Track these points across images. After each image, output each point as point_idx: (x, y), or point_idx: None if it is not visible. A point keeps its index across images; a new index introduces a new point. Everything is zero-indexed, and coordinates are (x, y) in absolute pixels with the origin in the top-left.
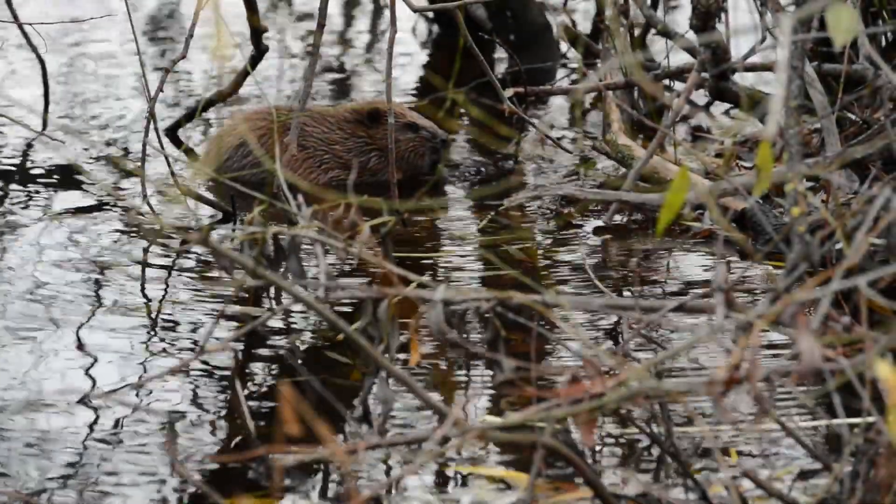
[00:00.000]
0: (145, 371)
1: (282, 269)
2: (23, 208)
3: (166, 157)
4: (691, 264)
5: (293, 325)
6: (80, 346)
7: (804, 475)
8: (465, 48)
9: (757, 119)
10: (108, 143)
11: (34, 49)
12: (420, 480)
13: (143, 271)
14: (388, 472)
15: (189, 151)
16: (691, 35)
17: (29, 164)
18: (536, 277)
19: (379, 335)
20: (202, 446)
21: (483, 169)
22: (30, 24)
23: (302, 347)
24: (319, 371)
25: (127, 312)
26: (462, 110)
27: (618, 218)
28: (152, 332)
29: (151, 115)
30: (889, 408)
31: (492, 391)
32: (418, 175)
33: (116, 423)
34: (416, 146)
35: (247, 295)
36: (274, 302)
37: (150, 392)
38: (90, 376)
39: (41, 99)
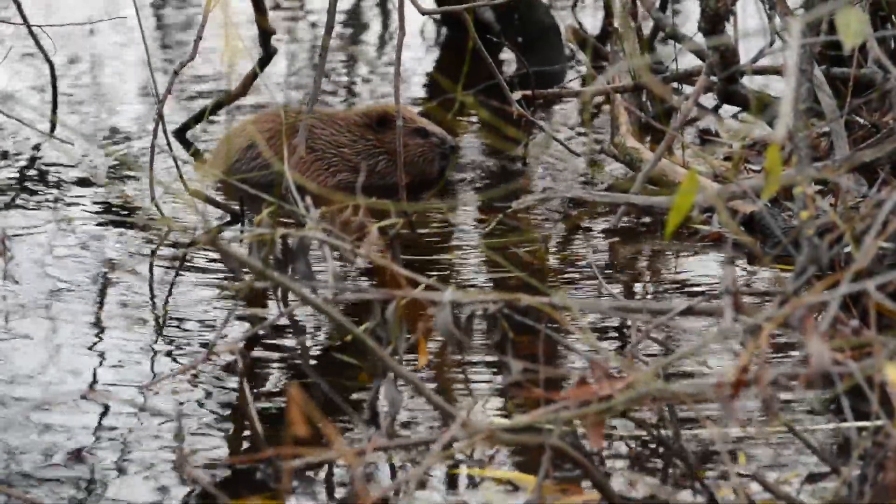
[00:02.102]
0: (153, 372)
1: (290, 271)
2: (31, 210)
3: (174, 159)
4: (699, 267)
5: (302, 327)
6: (89, 347)
7: (812, 478)
8: (474, 50)
9: (765, 122)
10: (116, 144)
11: (43, 51)
12: (428, 482)
13: (152, 272)
14: (395, 474)
15: (197, 153)
16: (700, 38)
17: (37, 167)
18: (544, 280)
19: (387, 337)
20: (210, 448)
21: (488, 170)
22: (38, 26)
23: (310, 349)
24: (327, 373)
25: (135, 314)
26: (471, 112)
27: (626, 220)
28: (160, 334)
29: (160, 117)
30: None
31: (500, 393)
32: (426, 178)
33: (124, 424)
34: (425, 152)
35: (255, 296)
36: (282, 303)
37: (158, 393)
38: (98, 377)
39: (49, 101)
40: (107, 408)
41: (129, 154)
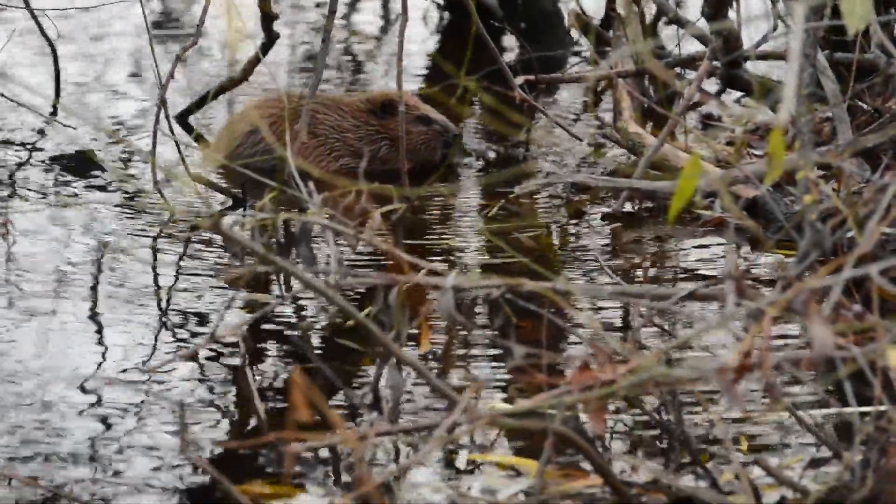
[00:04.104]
0: (156, 357)
1: (293, 256)
2: (34, 194)
3: (177, 144)
4: (702, 252)
5: (304, 312)
6: (91, 332)
7: (815, 463)
8: (477, 36)
9: (768, 107)
10: (118, 129)
11: (45, 35)
12: (430, 467)
13: (154, 257)
14: (398, 459)
15: (200, 138)
16: (703, 23)
17: (40, 150)
18: (547, 265)
19: (390, 322)
20: (213, 432)
21: (492, 154)
22: (41, 10)
23: (312, 334)
24: (330, 358)
25: (137, 298)
26: (474, 98)
27: (628, 206)
28: (163, 319)
29: (162, 102)
30: None
31: (502, 378)
32: (429, 163)
33: (127, 410)
34: (427, 139)
35: (258, 281)
36: (284, 288)
37: (161, 378)
38: (100, 363)
39: (52, 84)
40: (109, 392)
41: (131, 139)
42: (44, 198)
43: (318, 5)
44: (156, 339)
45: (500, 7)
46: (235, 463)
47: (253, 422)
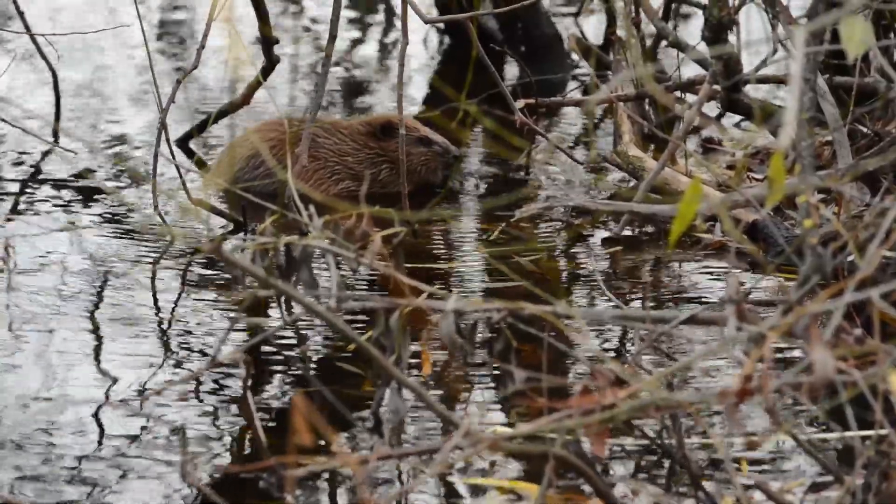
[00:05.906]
0: (156, 381)
1: (293, 280)
2: (35, 218)
3: (178, 168)
4: (703, 276)
5: (305, 336)
6: (91, 355)
7: (816, 487)
8: (477, 59)
9: (769, 131)
10: (119, 154)
11: (46, 60)
12: (431, 491)
13: (154, 281)
14: (399, 483)
15: (201, 162)
16: (703, 47)
17: (40, 175)
18: (547, 288)
19: (391, 345)
20: (213, 457)
21: (491, 179)
22: (42, 35)
23: (314, 358)
24: (331, 381)
25: (137, 322)
26: (474, 121)
27: (628, 229)
28: (163, 342)
29: (163, 126)
30: None
31: (503, 402)
32: (429, 186)
33: (127, 434)
34: (428, 160)
35: (258, 305)
36: (285, 312)
37: (162, 402)
38: (100, 386)
39: (53, 110)
40: (110, 416)
41: (131, 163)
42: (45, 222)
43: (309, 30)
44: (156, 363)
45: (500, 31)
46: (236, 487)
47: (254, 446)
